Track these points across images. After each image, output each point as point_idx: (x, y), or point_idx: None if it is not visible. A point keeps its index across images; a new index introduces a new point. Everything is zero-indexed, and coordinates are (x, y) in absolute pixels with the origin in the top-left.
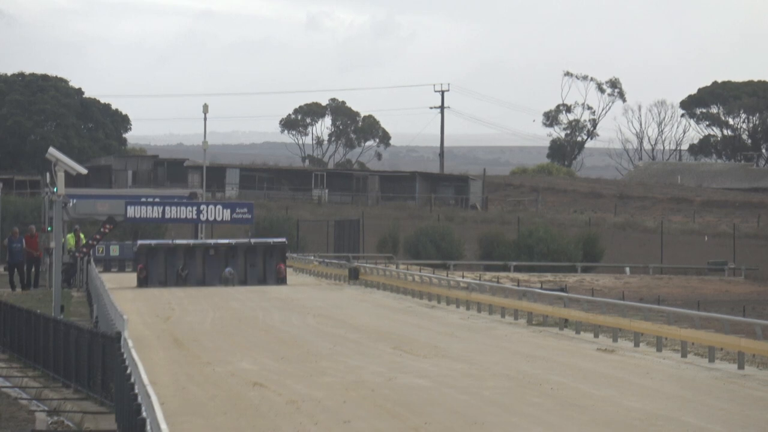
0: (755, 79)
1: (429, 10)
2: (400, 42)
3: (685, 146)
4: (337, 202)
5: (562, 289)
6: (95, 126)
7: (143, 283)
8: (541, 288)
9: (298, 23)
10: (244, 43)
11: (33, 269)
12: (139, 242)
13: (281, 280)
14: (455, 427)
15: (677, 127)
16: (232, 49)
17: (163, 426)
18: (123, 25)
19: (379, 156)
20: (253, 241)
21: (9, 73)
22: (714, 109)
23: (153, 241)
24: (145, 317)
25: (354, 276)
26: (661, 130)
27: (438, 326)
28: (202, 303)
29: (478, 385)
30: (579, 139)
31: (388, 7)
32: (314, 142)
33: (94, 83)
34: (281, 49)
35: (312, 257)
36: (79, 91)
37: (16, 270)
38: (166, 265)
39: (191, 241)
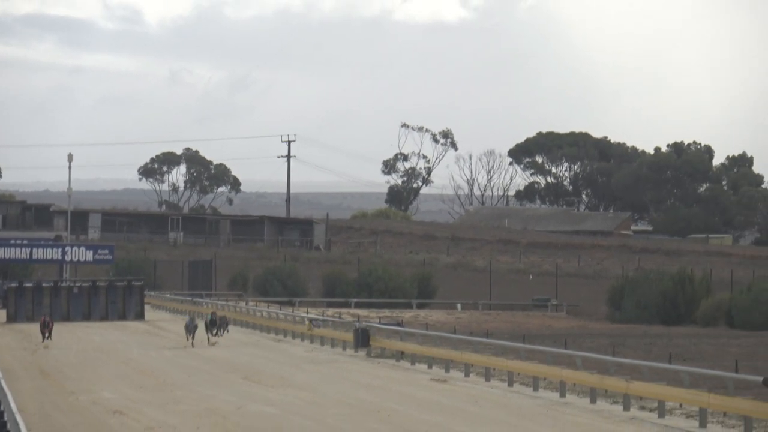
0: (576, 131)
1: (283, 66)
2: (255, 96)
3: (512, 192)
4: (191, 244)
5: (398, 324)
6: None
7: (12, 319)
8: (380, 323)
9: (161, 78)
10: (111, 97)
11: None
12: (7, 285)
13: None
14: None
15: (505, 175)
16: (99, 103)
17: None
18: None
19: (230, 201)
20: (115, 281)
21: None
22: (539, 158)
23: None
24: (14, 350)
25: (364, 343)
26: (490, 178)
27: (284, 358)
28: (66, 337)
29: (321, 412)
30: (415, 185)
31: (245, 64)
32: (170, 188)
33: None
34: (144, 103)
35: (168, 295)
36: None
37: None
38: (33, 303)
39: (57, 281)
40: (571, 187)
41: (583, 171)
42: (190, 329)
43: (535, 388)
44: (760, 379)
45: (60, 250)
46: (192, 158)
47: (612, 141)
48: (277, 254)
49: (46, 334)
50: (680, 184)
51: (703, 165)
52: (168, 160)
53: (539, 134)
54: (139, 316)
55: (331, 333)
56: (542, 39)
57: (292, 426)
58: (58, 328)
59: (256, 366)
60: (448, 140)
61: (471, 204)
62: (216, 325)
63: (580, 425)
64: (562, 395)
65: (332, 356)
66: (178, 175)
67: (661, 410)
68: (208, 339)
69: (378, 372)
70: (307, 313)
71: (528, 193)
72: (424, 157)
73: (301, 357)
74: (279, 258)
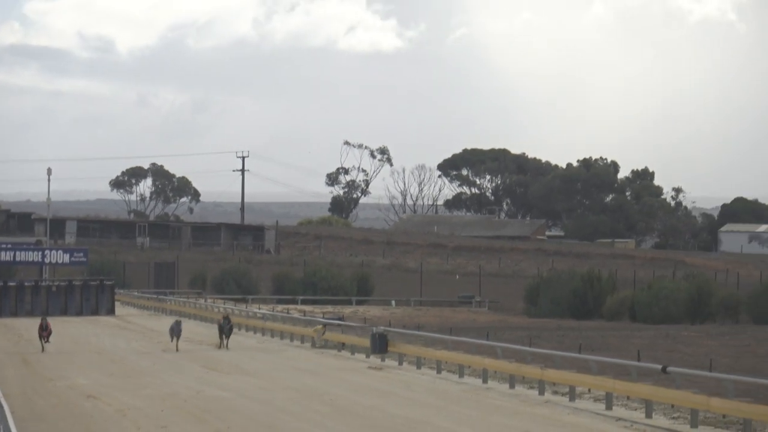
0: (497, 147)
1: (239, 90)
2: (213, 116)
3: (440, 202)
4: (156, 248)
5: (340, 318)
6: None
7: None
8: (323, 317)
9: (130, 101)
10: (86, 117)
11: None
12: None
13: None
14: (252, 430)
15: (434, 186)
16: (75, 122)
17: (14, 430)
18: None
19: (191, 210)
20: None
21: None
22: (464, 172)
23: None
24: None
25: (382, 349)
26: (421, 189)
27: (239, 349)
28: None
29: (270, 396)
30: (355, 196)
31: (205, 88)
32: (138, 198)
33: None
34: (115, 122)
35: (136, 293)
36: None
37: None
38: (16, 300)
39: (37, 280)
40: (492, 197)
41: (504, 183)
42: (175, 332)
43: (461, 375)
44: (660, 367)
45: (40, 253)
46: (157, 172)
47: (529, 156)
48: (233, 257)
49: (45, 339)
50: (589, 194)
51: (609, 178)
52: (136, 173)
53: (465, 150)
54: (110, 311)
55: (342, 338)
56: (468, 66)
57: (245, 408)
58: (38, 323)
59: (213, 355)
60: (385, 156)
61: (404, 212)
62: (228, 327)
63: (501, 408)
64: (485, 381)
65: (280, 346)
66: (145, 186)
67: (572, 395)
68: (222, 343)
69: (321, 361)
70: (259, 308)
71: (455, 202)
72: (363, 170)
73: (253, 347)
74: (234, 260)
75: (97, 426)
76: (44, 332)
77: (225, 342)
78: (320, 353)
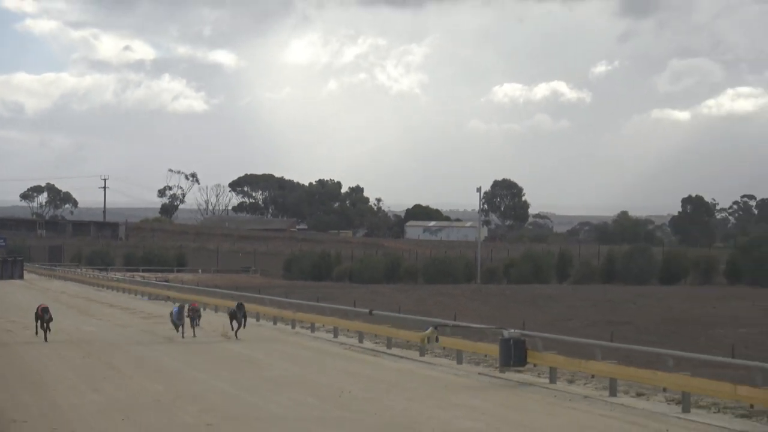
0: (267, 173)
1: (104, 136)
2: (87, 153)
3: (230, 207)
4: (50, 236)
5: (166, 280)
6: None
7: None
8: (156, 280)
9: (34, 145)
10: (5, 154)
11: None
12: None
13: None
14: (113, 352)
15: (227, 197)
16: (4, 155)
17: None
18: None
19: (72, 212)
20: (7, 258)
21: None
22: (246, 188)
23: None
24: None
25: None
26: (218, 199)
27: (103, 301)
28: None
29: (125, 332)
30: (176, 204)
31: (83, 135)
32: (38, 205)
33: None
34: (25, 157)
35: (37, 265)
36: None
37: None
38: None
39: None
40: (263, 204)
41: (270, 195)
42: (178, 321)
43: (258, 320)
44: (367, 310)
45: None
46: (51, 189)
47: (286, 178)
48: (98, 242)
49: (46, 326)
50: (324, 202)
51: (336, 191)
52: (37, 189)
53: (246, 174)
54: (21, 277)
55: (467, 345)
56: (252, 120)
57: (108, 337)
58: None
59: (85, 306)
60: (195, 178)
61: (207, 214)
62: (241, 314)
63: (267, 337)
64: (257, 320)
65: (129, 299)
66: (43, 198)
67: (313, 328)
68: (235, 331)
69: (154, 309)
70: (115, 275)
71: (240, 207)
72: (181, 188)
73: (112, 301)
74: (99, 245)
75: (13, 349)
76: (45, 314)
77: (236, 330)
78: (153, 303)
